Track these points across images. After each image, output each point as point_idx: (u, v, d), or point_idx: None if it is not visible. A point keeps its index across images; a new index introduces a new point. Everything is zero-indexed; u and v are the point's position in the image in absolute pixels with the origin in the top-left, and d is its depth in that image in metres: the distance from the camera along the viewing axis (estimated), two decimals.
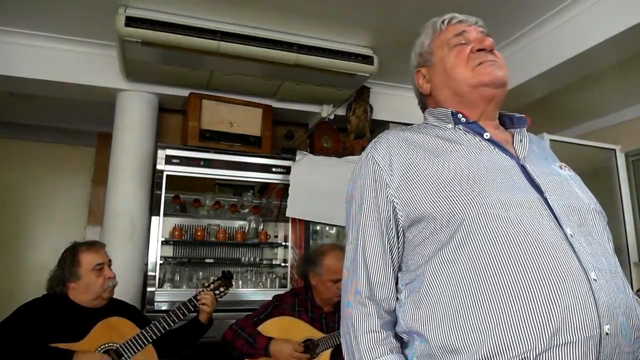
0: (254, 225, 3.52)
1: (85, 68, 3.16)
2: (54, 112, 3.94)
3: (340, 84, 3.27)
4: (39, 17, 2.87)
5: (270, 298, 2.40)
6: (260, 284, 3.33)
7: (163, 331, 2.02)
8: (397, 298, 0.94)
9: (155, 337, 1.99)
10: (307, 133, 3.83)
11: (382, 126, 3.54)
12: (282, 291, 2.57)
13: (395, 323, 0.94)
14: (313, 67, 3.01)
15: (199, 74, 3.16)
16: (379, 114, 3.69)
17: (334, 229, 3.53)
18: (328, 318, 2.32)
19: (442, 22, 1.06)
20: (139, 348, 1.95)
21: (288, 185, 3.28)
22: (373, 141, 1.02)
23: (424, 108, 1.12)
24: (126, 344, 1.93)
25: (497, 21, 2.78)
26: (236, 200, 3.64)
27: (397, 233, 0.94)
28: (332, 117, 3.66)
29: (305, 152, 3.42)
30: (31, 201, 4.33)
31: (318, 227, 3.46)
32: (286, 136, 3.78)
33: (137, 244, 3.09)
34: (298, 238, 3.28)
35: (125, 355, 1.92)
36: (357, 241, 0.97)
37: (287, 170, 3.31)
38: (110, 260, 2.09)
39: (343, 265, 2.42)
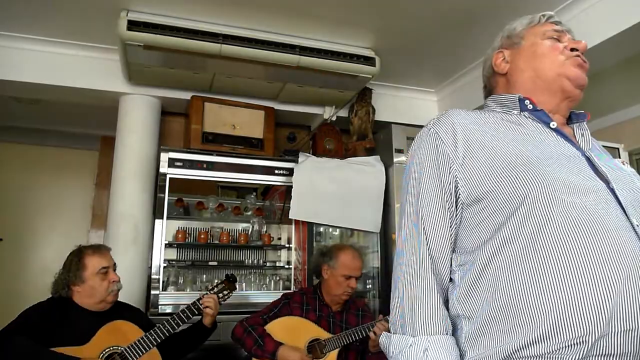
0: (257, 228, 3.52)
1: (88, 72, 3.18)
2: (57, 116, 3.96)
3: (343, 85, 3.27)
4: (41, 22, 2.88)
5: (273, 300, 2.41)
6: (264, 286, 3.33)
7: (167, 334, 2.02)
8: (451, 279, 0.91)
9: (159, 340, 1.99)
10: (309, 135, 3.83)
11: (384, 127, 3.53)
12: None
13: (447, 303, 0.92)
14: (315, 68, 3.02)
15: (201, 77, 3.16)
16: (381, 115, 3.70)
17: (337, 230, 3.53)
18: (335, 317, 2.34)
19: (542, 16, 1.07)
20: (144, 351, 1.95)
21: (291, 187, 3.27)
22: (435, 117, 0.99)
23: (489, 92, 1.11)
24: (131, 347, 1.94)
25: (497, 22, 2.78)
26: (239, 202, 3.63)
27: (456, 209, 0.91)
28: (334, 118, 3.67)
29: (307, 154, 3.42)
30: (35, 205, 4.35)
31: (321, 229, 3.47)
32: (289, 138, 3.78)
33: (141, 247, 3.09)
34: (301, 240, 3.28)
35: (130, 359, 1.93)
36: (416, 213, 0.93)
37: (289, 172, 3.31)
38: (115, 264, 2.09)
39: (358, 264, 2.47)
